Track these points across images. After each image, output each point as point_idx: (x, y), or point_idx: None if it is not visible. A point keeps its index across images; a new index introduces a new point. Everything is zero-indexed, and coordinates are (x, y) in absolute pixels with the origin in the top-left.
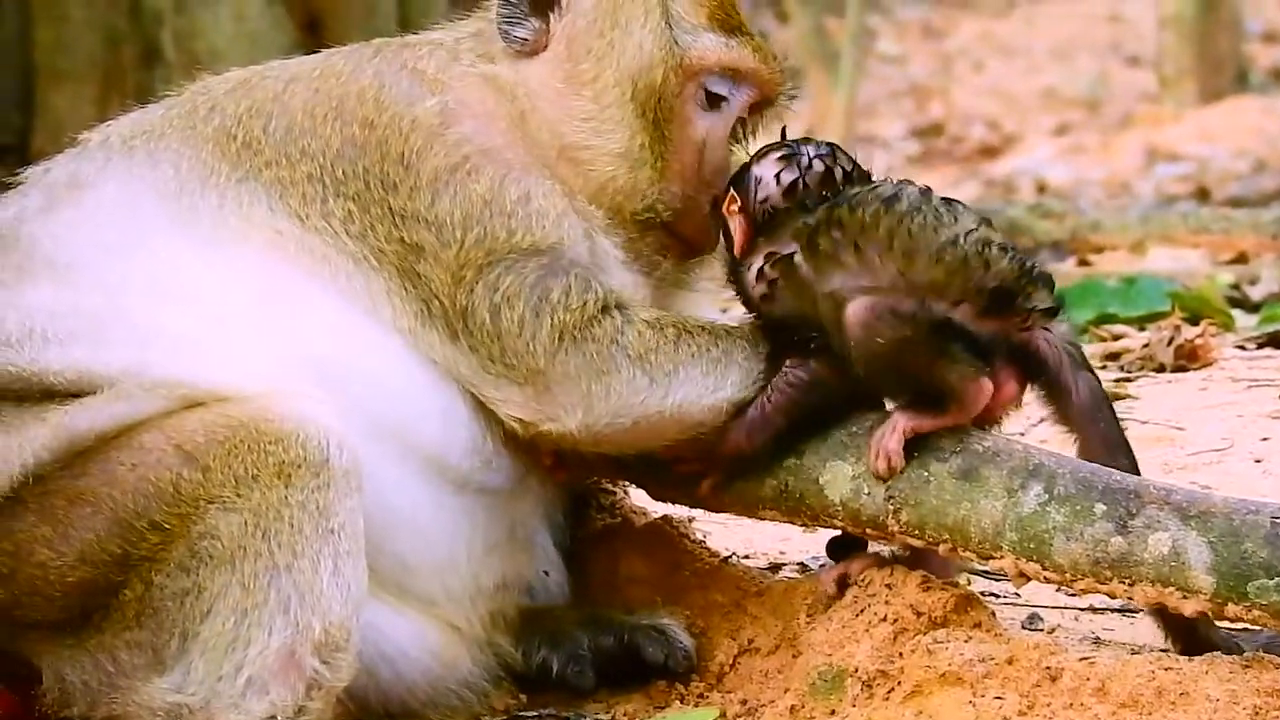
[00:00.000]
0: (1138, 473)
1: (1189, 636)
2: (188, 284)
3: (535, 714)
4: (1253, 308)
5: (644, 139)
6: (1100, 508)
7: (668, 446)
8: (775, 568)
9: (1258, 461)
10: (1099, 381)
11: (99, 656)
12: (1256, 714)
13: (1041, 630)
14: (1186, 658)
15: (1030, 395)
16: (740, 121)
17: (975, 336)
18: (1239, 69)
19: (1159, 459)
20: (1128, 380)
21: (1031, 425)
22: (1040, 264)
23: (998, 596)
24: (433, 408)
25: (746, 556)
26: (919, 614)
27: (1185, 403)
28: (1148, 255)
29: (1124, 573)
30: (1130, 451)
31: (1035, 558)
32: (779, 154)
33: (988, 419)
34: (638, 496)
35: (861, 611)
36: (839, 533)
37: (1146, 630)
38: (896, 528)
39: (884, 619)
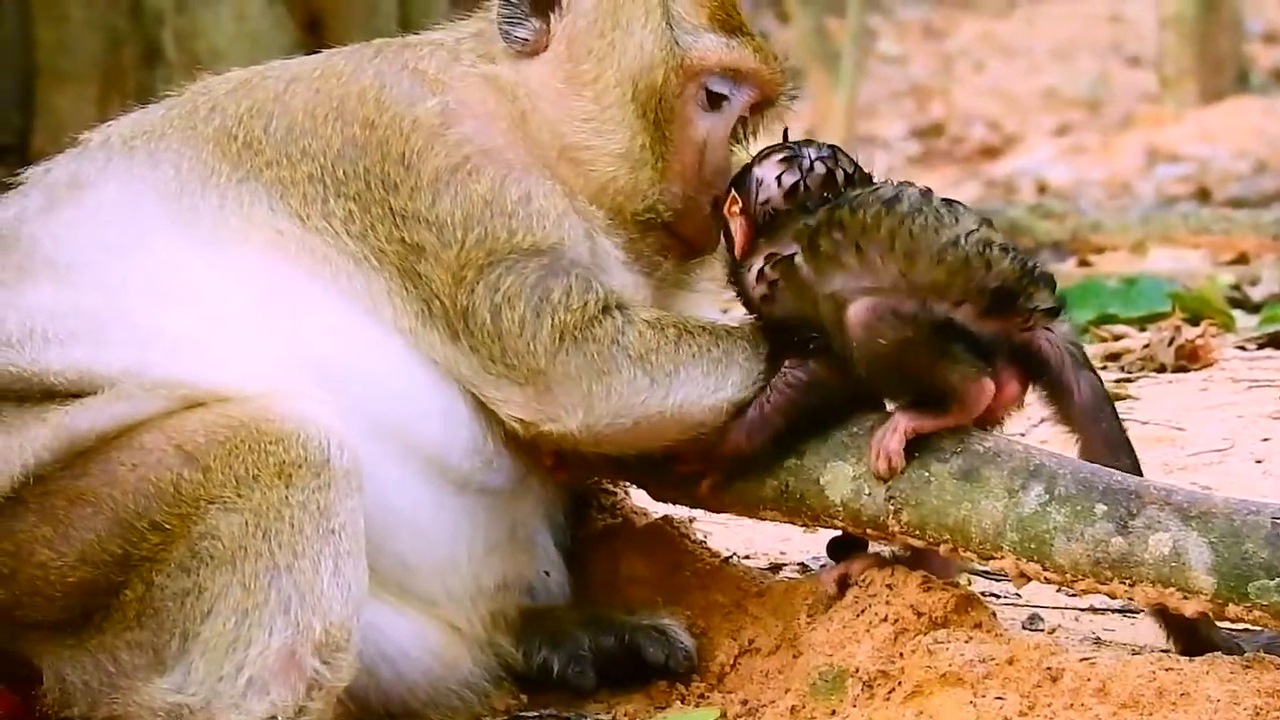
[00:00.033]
0: (1140, 472)
1: (1190, 637)
2: (188, 284)
3: (536, 714)
4: (1253, 308)
5: (645, 139)
6: (1101, 508)
7: (668, 447)
8: (776, 568)
9: (1258, 462)
10: (1101, 381)
11: (99, 657)
12: (1257, 714)
13: (1042, 631)
14: (1187, 658)
15: (1031, 396)
16: (741, 122)
17: (977, 337)
18: (1240, 69)
19: (1159, 459)
20: (1128, 381)
21: (1032, 426)
22: (1041, 264)
23: (998, 597)
24: (433, 408)
25: (747, 557)
26: (920, 614)
27: (1186, 403)
28: (1148, 256)
29: (1125, 573)
30: (1132, 451)
31: (1036, 558)
32: (781, 156)
33: (990, 419)
34: (638, 497)
35: (862, 612)
36: (839, 533)
37: (1147, 631)
38: (897, 528)
39: (885, 619)
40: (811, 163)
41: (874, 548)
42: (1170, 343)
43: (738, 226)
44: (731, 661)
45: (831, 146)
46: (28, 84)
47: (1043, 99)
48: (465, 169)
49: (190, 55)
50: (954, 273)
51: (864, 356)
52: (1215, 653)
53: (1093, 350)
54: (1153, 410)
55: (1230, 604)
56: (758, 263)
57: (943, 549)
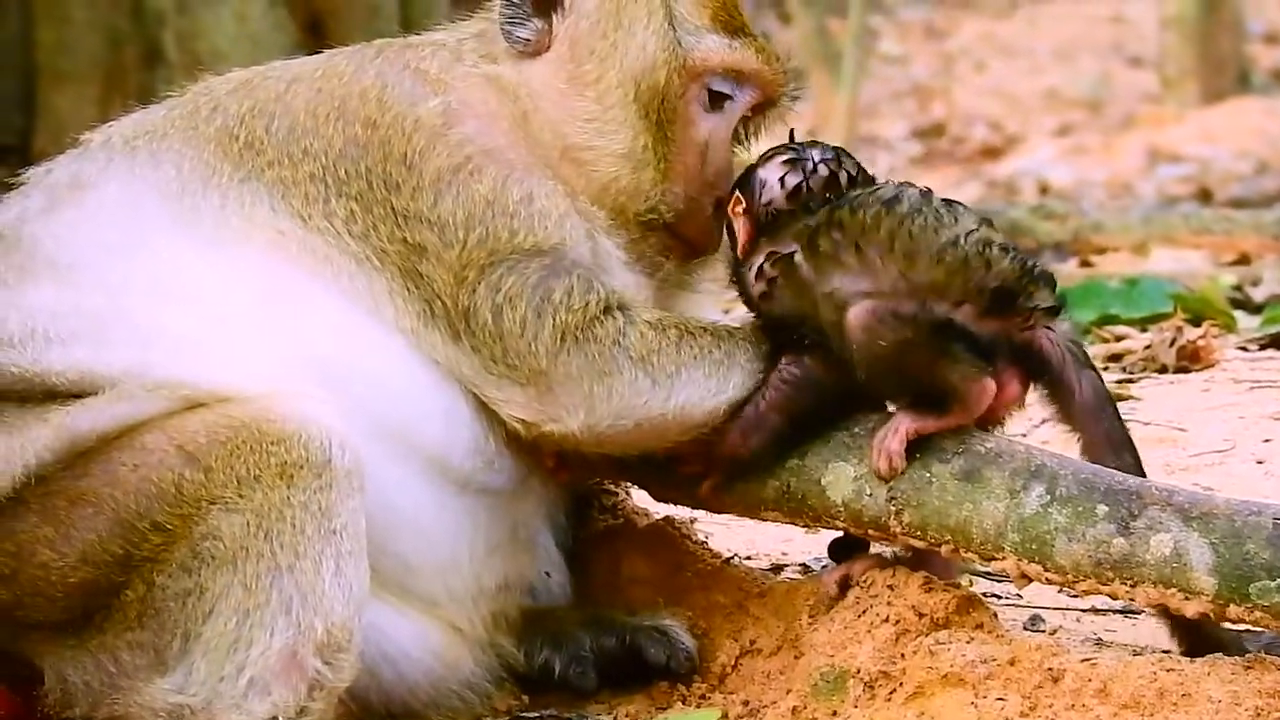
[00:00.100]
0: (1143, 471)
1: (1194, 636)
2: (190, 284)
3: (537, 715)
4: (1255, 309)
5: (647, 140)
6: (1102, 509)
7: (670, 447)
8: (777, 569)
9: (1260, 463)
10: (1102, 380)
11: (101, 657)
12: (1258, 715)
13: (1043, 631)
14: (1188, 659)
15: (1032, 396)
16: (743, 122)
17: (977, 337)
18: (1241, 70)
19: (1161, 460)
20: (1130, 381)
21: (1034, 426)
22: (1041, 264)
23: (1000, 598)
24: (435, 408)
25: (749, 557)
26: (921, 615)
27: (1187, 404)
28: (1150, 256)
29: (1126, 574)
30: (1134, 449)
31: (1037, 559)
32: (784, 157)
33: (991, 419)
34: (640, 497)
35: (864, 612)
36: (841, 534)
37: (1148, 631)
38: (898, 529)
39: (886, 620)
40: (815, 164)
41: (875, 548)
42: (1172, 343)
43: (740, 226)
44: (733, 662)
45: (835, 148)
46: (29, 84)
47: (1044, 99)
48: (467, 169)
49: (191, 56)
50: (953, 272)
51: (864, 358)
52: (1216, 653)
53: (1094, 351)
54: (1154, 411)
55: (1231, 605)
56: (758, 260)
57: (944, 550)
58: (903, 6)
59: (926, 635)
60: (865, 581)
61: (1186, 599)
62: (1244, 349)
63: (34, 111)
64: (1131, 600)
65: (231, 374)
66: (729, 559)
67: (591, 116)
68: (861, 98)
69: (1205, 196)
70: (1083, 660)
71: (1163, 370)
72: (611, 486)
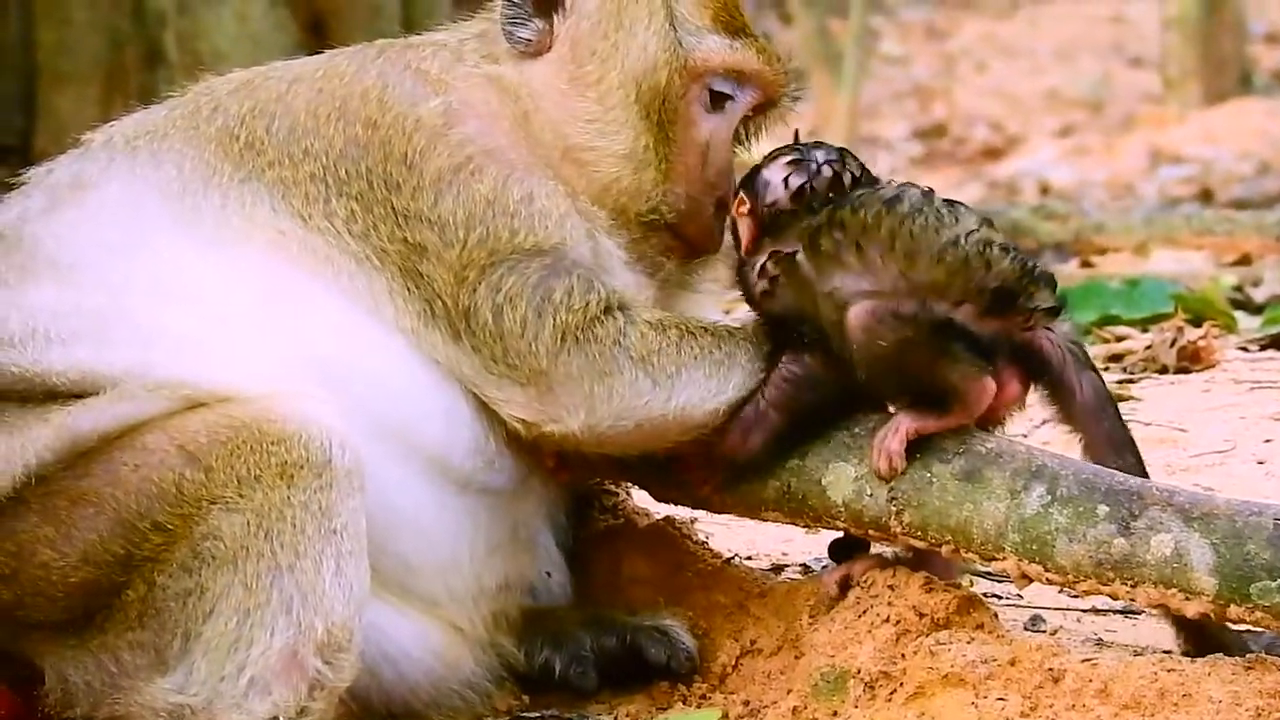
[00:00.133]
0: (1144, 471)
1: (1198, 637)
2: (191, 284)
3: (538, 715)
4: (1256, 309)
5: (648, 140)
6: (1103, 509)
7: (670, 447)
8: (778, 569)
9: (1260, 463)
10: (1103, 381)
11: (101, 657)
12: (1259, 715)
13: (1044, 632)
14: (1189, 659)
15: (1033, 396)
16: (744, 122)
17: (977, 337)
18: (1242, 71)
19: (1162, 461)
20: (1130, 382)
21: (1034, 427)
22: (1042, 264)
23: (1000, 598)
24: (435, 408)
25: (749, 558)
26: (921, 615)
27: (1188, 404)
28: (1151, 257)
29: (1126, 574)
30: (1136, 449)
31: (1038, 559)
32: (789, 158)
33: (992, 420)
34: (640, 497)
35: (864, 613)
36: (841, 534)
37: (1149, 632)
38: (899, 529)
39: (886, 620)
40: (819, 165)
41: (876, 548)
42: (1173, 344)
43: (744, 226)
44: (733, 662)
45: (839, 149)
46: (30, 85)
47: (1045, 100)
48: (468, 169)
49: (192, 56)
50: (954, 272)
51: (865, 358)
52: (1217, 654)
53: (1095, 351)
54: (1155, 411)
55: (1232, 605)
56: (761, 259)
57: (945, 550)
58: (904, 7)
59: (927, 635)
60: (866, 582)
61: (1187, 599)
62: (1245, 349)
63: (35, 112)
64: (1132, 601)
65: (232, 374)
66: (729, 559)
67: (593, 117)
68: (862, 98)
69: (1206, 197)
70: (1083, 660)
71: (1163, 371)
72: (612, 486)
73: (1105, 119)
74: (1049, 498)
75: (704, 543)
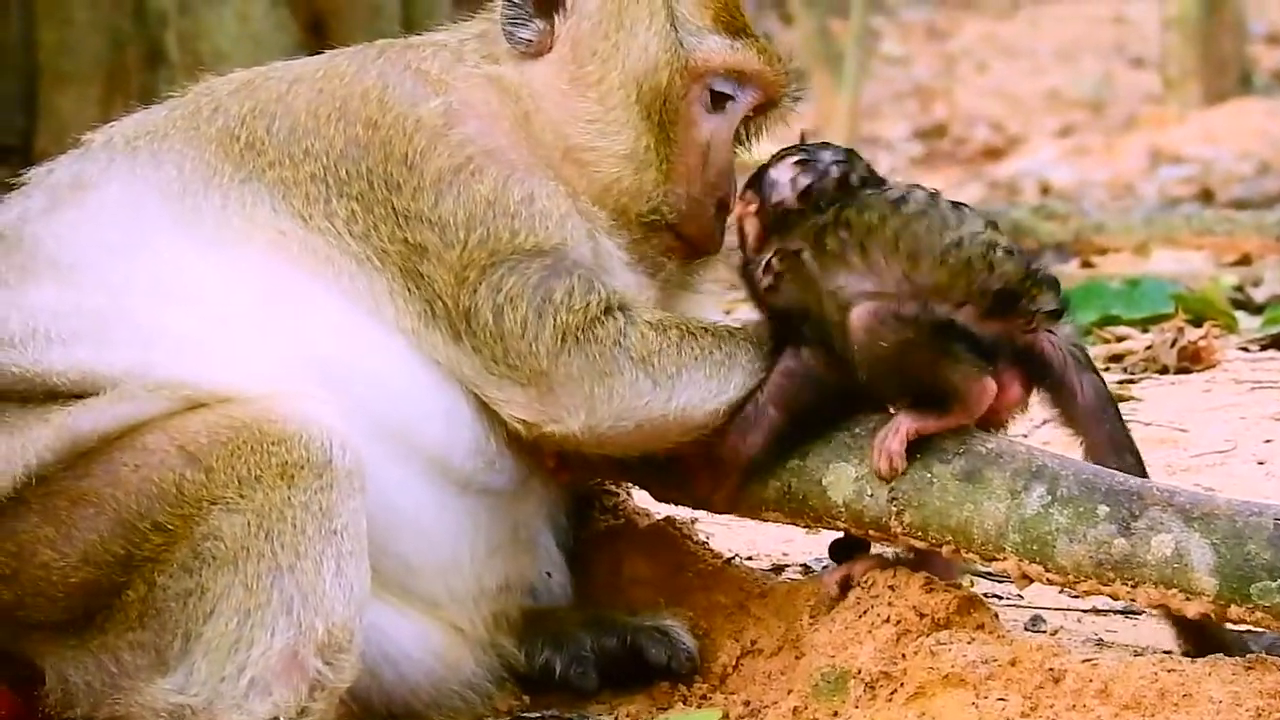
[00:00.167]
0: (1145, 472)
1: (1198, 637)
2: (191, 284)
3: (538, 715)
4: (1256, 309)
5: (649, 140)
6: (1103, 509)
7: (671, 448)
8: (778, 569)
9: (1261, 463)
10: (1104, 383)
11: (102, 657)
12: (1259, 716)
13: (1044, 632)
14: (1189, 660)
15: (1034, 398)
16: (745, 123)
17: (979, 338)
18: (1243, 71)
19: (1162, 461)
20: (1131, 382)
21: (1035, 427)
22: (1046, 267)
23: (1001, 598)
24: (436, 409)
25: (749, 558)
26: (922, 615)
27: (1188, 405)
28: (1151, 257)
29: (1127, 574)
30: (1136, 451)
31: (1038, 559)
32: (796, 158)
33: (994, 421)
34: (641, 498)
35: (864, 613)
36: (842, 534)
37: (1149, 632)
38: (899, 529)
39: (887, 620)
40: (826, 166)
41: (876, 548)
42: (1173, 344)
43: (750, 225)
44: (734, 662)
45: (847, 150)
46: (31, 85)
47: (1046, 100)
48: (468, 169)
49: (193, 56)
50: (956, 274)
51: (866, 359)
52: (1218, 654)
53: (1095, 352)
54: (1155, 412)
55: (1232, 605)
56: (766, 255)
57: (945, 550)
58: (904, 7)
59: (927, 636)
60: (866, 582)
61: (1188, 599)
62: (1245, 350)
63: (36, 112)
64: (1133, 601)
65: (233, 374)
66: (730, 559)
67: (593, 117)
68: (863, 98)
69: (1207, 197)
70: (1084, 661)
71: (1164, 371)
72: (612, 487)
73: (1106, 119)
74: (1049, 498)
75: (704, 543)
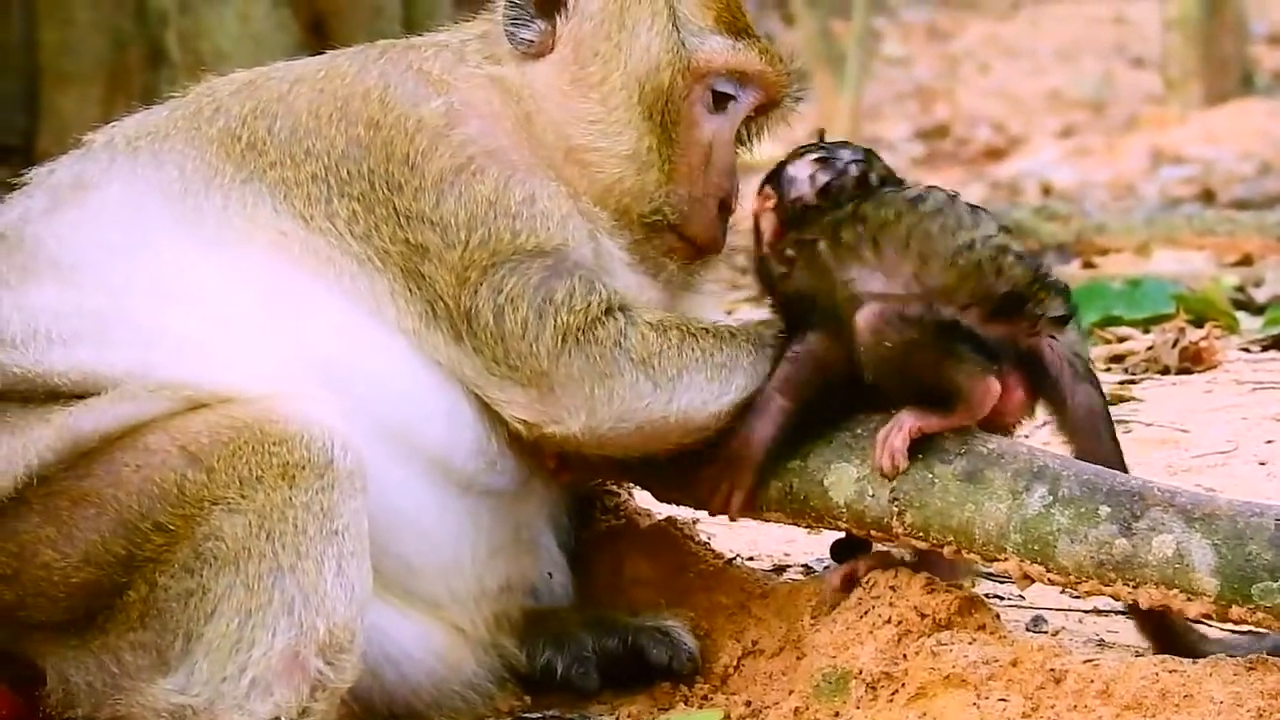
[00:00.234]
0: None
1: (1166, 636)
2: (192, 285)
3: (539, 715)
4: (1257, 310)
5: (651, 141)
6: (1105, 510)
7: (672, 449)
8: (780, 570)
9: (1262, 464)
10: (1101, 394)
11: (103, 657)
12: (1260, 716)
13: (1046, 632)
14: (1190, 660)
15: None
16: (746, 123)
17: (983, 339)
18: (1244, 71)
19: (1163, 461)
20: (1132, 382)
21: (1036, 427)
22: (1056, 274)
23: (1002, 599)
24: (437, 409)
25: (751, 558)
26: (923, 616)
27: (1190, 405)
28: (1153, 257)
29: (1128, 575)
30: (1124, 468)
31: (1039, 560)
32: (815, 155)
33: (998, 425)
34: (642, 498)
35: (866, 613)
36: (843, 535)
37: None
38: (901, 530)
39: (888, 621)
40: (845, 164)
41: (880, 547)
42: (1174, 344)
43: (768, 221)
44: (735, 663)
45: (865, 149)
46: (32, 85)
47: (1047, 101)
48: (469, 170)
49: (194, 56)
50: (964, 277)
51: (871, 359)
52: (1219, 654)
53: (1097, 352)
54: (1157, 412)
55: (1234, 606)
56: (783, 247)
57: (946, 550)
58: (906, 8)
59: (929, 636)
60: (868, 582)
61: (1189, 600)
62: (1246, 350)
63: (37, 112)
64: (1134, 601)
65: (234, 375)
66: (731, 560)
67: (595, 118)
68: (865, 99)
69: (1208, 198)
70: (1085, 661)
71: (1165, 371)
72: (614, 487)
73: (1107, 120)
74: (1051, 498)
75: (706, 543)
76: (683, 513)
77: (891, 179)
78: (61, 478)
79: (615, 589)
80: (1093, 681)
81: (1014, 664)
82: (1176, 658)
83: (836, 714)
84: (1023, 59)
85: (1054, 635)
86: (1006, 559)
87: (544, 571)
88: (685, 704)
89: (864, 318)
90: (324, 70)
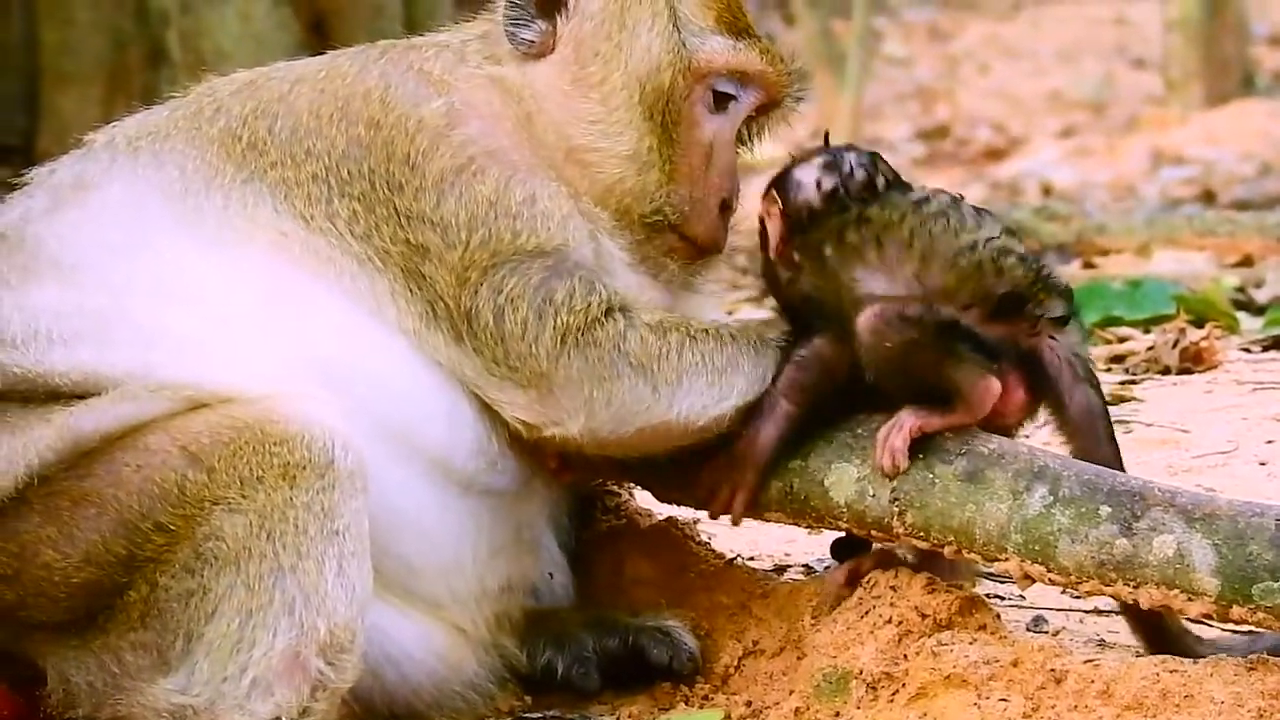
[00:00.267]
0: None
1: (1161, 637)
2: (193, 285)
3: (540, 715)
4: (1258, 310)
5: (652, 141)
6: (1105, 510)
7: (673, 450)
8: (780, 569)
9: (1262, 464)
10: (1100, 396)
11: (104, 657)
12: (1261, 716)
13: (1046, 632)
14: (1191, 660)
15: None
16: (747, 123)
17: (983, 339)
18: (1245, 72)
19: (1164, 461)
20: (1133, 383)
21: (1036, 427)
22: (1059, 275)
23: (1002, 599)
24: (438, 409)
25: (752, 558)
26: (924, 616)
27: (1190, 405)
28: (1153, 258)
29: (1129, 575)
30: (1122, 470)
31: (1040, 560)
32: (821, 159)
33: (999, 425)
34: (643, 498)
35: (866, 613)
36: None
37: None
38: (901, 530)
39: (889, 621)
40: (852, 168)
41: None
42: (1175, 345)
43: (774, 226)
44: (736, 663)
45: (871, 153)
46: (32, 85)
47: (1048, 101)
48: (470, 170)
49: (195, 56)
50: (965, 278)
51: (872, 360)
52: (1220, 654)
53: (1097, 352)
54: (1157, 412)
55: (1234, 606)
56: (789, 252)
57: (947, 551)
58: (907, 8)
59: (929, 636)
60: (868, 582)
61: (1189, 600)
62: (1247, 350)
63: (38, 112)
64: (1134, 602)
65: (234, 375)
66: (732, 560)
67: (596, 118)
68: (865, 99)
69: (1208, 198)
70: (1085, 661)
71: (1165, 372)
72: (615, 487)
73: (1107, 120)
74: (1051, 498)
75: (706, 543)
76: (683, 513)
77: (897, 182)
78: (62, 478)
79: (616, 589)
80: (1093, 682)
81: (1015, 664)
82: (1177, 658)
83: (837, 714)
84: (1023, 59)
85: (1055, 635)
86: (1007, 559)
87: (545, 571)
88: (686, 704)
89: (864, 320)
90: (325, 70)
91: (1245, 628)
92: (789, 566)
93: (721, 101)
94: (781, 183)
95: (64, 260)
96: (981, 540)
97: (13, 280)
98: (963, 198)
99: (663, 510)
